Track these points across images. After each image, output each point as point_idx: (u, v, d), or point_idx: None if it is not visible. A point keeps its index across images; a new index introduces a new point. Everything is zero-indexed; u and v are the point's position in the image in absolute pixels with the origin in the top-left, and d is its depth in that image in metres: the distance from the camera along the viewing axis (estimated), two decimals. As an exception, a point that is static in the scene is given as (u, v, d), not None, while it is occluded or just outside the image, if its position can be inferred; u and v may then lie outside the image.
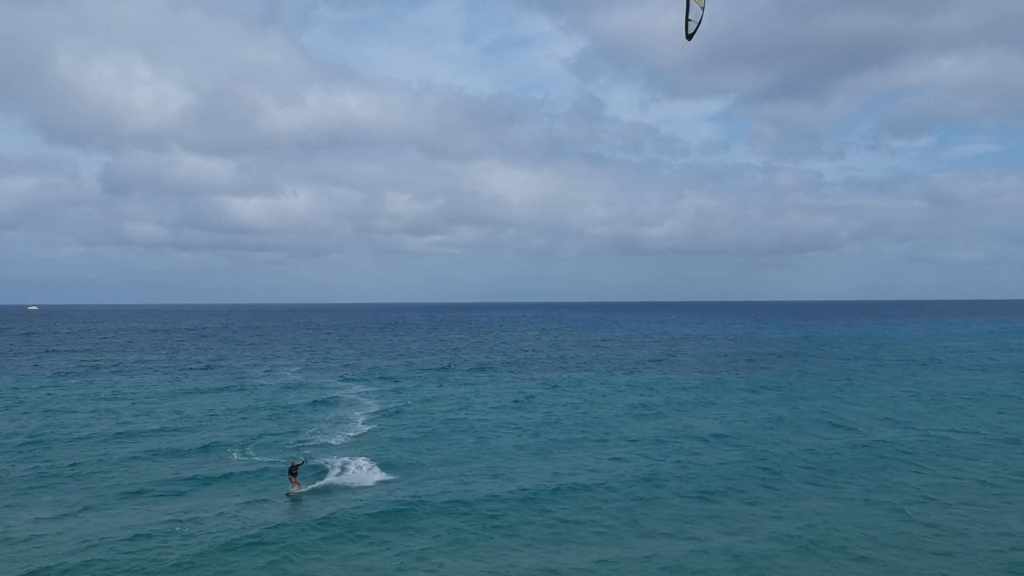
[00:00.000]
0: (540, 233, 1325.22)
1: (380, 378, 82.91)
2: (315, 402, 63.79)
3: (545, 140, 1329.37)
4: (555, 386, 75.04)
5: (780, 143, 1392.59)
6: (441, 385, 76.40)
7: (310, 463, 39.10)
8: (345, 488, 36.48)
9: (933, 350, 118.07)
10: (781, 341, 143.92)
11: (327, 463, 40.46)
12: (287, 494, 34.93)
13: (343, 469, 39.37)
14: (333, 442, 47.31)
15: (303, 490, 35.32)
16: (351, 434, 49.82)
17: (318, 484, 36.64)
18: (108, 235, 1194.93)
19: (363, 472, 39.06)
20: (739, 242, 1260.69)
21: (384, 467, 40.04)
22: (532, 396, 67.76)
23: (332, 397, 66.72)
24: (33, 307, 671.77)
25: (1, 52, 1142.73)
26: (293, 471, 36.01)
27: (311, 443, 46.85)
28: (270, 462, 41.46)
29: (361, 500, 34.40)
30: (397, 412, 58.56)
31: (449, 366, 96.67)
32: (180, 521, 31.11)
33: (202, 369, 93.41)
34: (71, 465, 41.14)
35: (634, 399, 65.39)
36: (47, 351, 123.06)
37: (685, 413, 57.88)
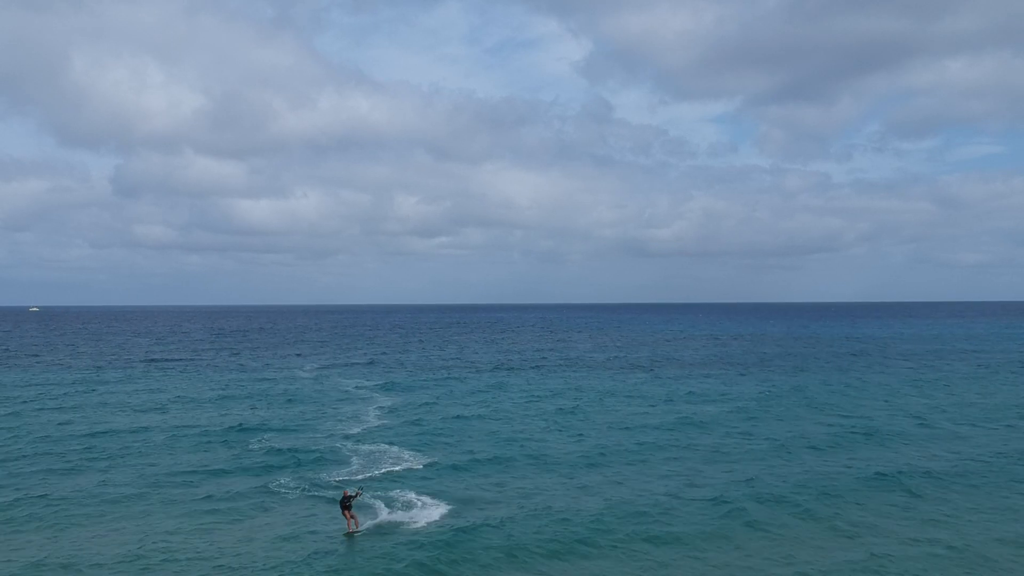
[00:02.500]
0: (548, 235, 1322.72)
1: (439, 382, 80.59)
2: (361, 408, 60.43)
3: (554, 142, 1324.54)
4: (609, 388, 73.18)
5: (788, 145, 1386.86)
6: (494, 390, 73.04)
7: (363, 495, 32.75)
8: (404, 520, 31.33)
9: (990, 351, 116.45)
10: (826, 341, 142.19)
11: (378, 488, 35.68)
12: (345, 534, 29.21)
13: (396, 496, 34.30)
14: (385, 456, 42.81)
15: (360, 529, 29.59)
16: (403, 448, 44.94)
17: (376, 519, 31.34)
18: (116, 237, 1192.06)
19: (421, 499, 34.16)
20: (747, 244, 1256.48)
21: (447, 488, 35.47)
22: (590, 399, 65.22)
23: (383, 404, 62.58)
24: (34, 308, 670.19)
25: (16, 57, 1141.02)
26: (347, 503, 29.84)
27: (357, 456, 42.51)
28: (315, 478, 37.54)
29: (423, 533, 29.88)
30: (452, 418, 55.43)
31: (500, 366, 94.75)
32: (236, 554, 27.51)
33: (249, 370, 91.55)
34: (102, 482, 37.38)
35: (709, 402, 63.75)
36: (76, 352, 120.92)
37: (773, 417, 55.87)
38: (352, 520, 29.69)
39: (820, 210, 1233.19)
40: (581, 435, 48.56)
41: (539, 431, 50.03)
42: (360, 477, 37.67)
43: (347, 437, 47.88)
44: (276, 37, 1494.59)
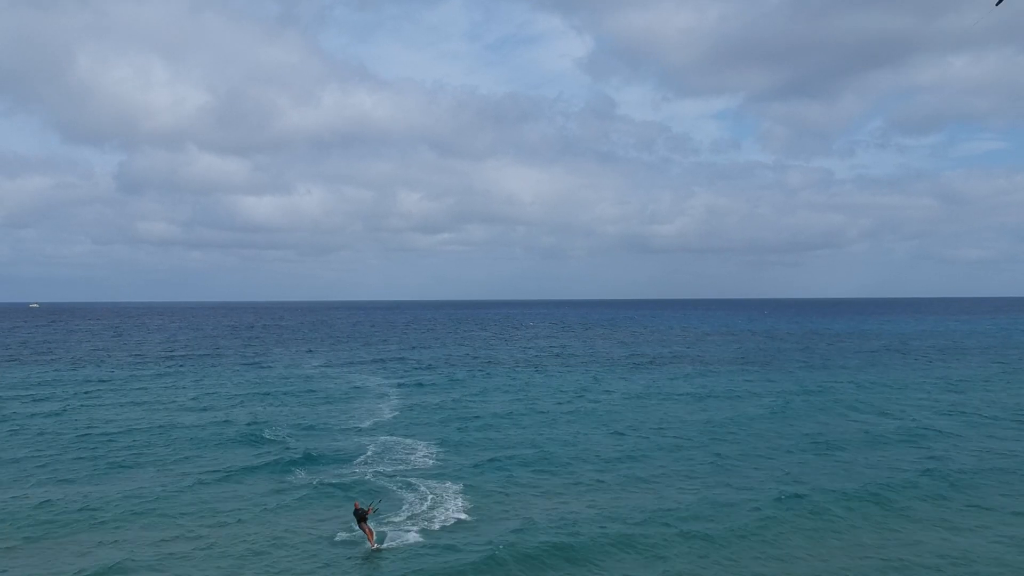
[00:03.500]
0: (551, 231, 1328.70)
1: (463, 382, 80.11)
2: (387, 404, 60.14)
3: (557, 139, 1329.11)
4: (636, 385, 72.94)
5: (791, 141, 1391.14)
6: (520, 387, 72.68)
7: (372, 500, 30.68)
8: (443, 517, 30.58)
9: (1005, 347, 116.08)
10: (841, 337, 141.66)
11: (398, 496, 33.57)
12: (372, 549, 27.21)
13: (432, 492, 33.55)
14: (416, 453, 42.12)
15: (378, 546, 27.44)
16: (435, 444, 44.22)
17: (413, 516, 30.69)
18: (120, 234, 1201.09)
19: (455, 490, 33.73)
20: (749, 240, 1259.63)
21: (467, 501, 32.94)
22: (618, 396, 64.96)
23: (409, 402, 61.93)
24: (34, 304, 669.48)
25: (22, 54, 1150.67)
26: (362, 517, 27.80)
27: (373, 467, 39.24)
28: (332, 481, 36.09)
29: (461, 530, 29.22)
30: (482, 415, 55.13)
31: (522, 362, 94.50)
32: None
33: (268, 366, 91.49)
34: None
35: (739, 398, 63.58)
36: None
37: (804, 414, 55.47)
38: (370, 535, 27.65)
39: (822, 206, 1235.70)
40: (615, 432, 48.45)
41: (571, 428, 49.91)
42: (389, 471, 37.65)
43: (373, 433, 47.80)
44: (280, 34, 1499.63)
